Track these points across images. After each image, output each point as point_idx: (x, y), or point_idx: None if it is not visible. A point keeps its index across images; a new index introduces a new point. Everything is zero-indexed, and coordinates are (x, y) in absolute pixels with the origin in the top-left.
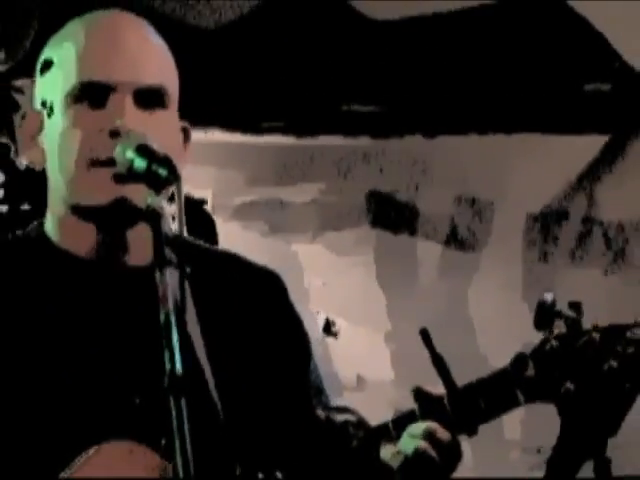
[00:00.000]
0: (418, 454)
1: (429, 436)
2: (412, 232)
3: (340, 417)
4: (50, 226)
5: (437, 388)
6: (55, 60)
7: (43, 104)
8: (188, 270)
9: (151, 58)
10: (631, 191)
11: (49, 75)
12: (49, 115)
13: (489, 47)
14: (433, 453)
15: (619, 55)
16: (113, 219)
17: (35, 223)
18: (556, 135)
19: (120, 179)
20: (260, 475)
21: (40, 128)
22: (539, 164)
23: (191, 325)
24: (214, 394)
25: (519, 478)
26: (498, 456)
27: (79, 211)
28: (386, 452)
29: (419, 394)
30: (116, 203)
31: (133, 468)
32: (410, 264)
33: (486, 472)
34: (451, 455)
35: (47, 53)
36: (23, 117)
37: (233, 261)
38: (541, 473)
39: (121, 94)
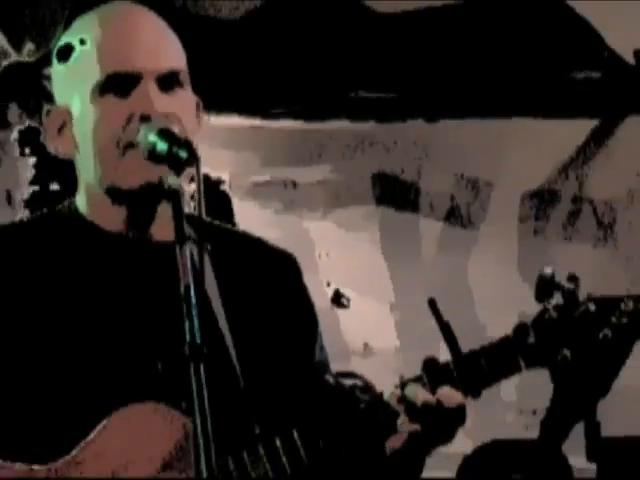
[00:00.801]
0: (424, 405)
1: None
2: (415, 210)
3: (348, 382)
4: (82, 203)
5: (438, 356)
6: (75, 52)
7: (68, 97)
8: (209, 247)
9: (166, 44)
10: (618, 172)
11: (70, 70)
12: (76, 108)
13: (489, 38)
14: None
15: (608, 45)
16: (145, 199)
17: (68, 200)
18: (549, 120)
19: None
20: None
21: (66, 121)
22: (533, 146)
23: (213, 298)
24: (234, 360)
25: (515, 438)
26: (496, 417)
27: (113, 192)
28: (391, 396)
29: (428, 364)
30: (150, 185)
31: (158, 426)
32: (413, 239)
33: (484, 432)
34: (453, 415)
35: (65, 41)
36: (48, 113)
37: (253, 242)
38: (536, 433)
39: (146, 81)
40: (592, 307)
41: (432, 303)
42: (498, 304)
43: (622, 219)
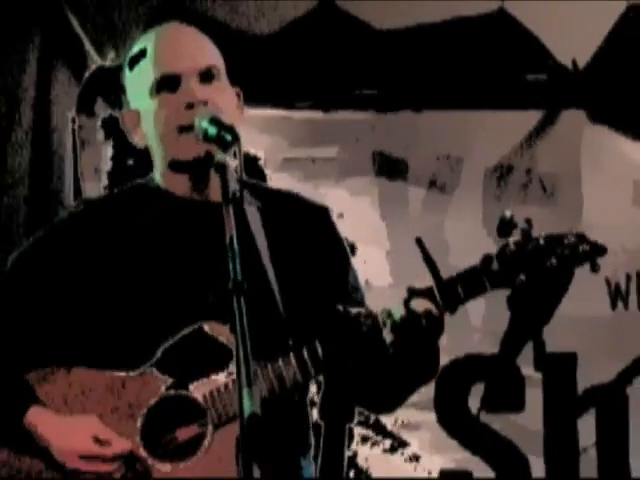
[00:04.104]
0: (403, 318)
1: (418, 304)
2: (404, 180)
3: (354, 310)
4: (157, 177)
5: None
6: (138, 63)
7: (136, 101)
8: (259, 205)
9: (202, 48)
10: (559, 151)
11: (134, 78)
12: (142, 107)
13: (462, 50)
14: (420, 311)
15: (552, 55)
16: (200, 168)
17: (147, 177)
18: (507, 111)
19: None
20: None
21: (138, 120)
22: (495, 131)
23: (260, 242)
24: (276, 292)
25: (481, 353)
26: (466, 338)
27: (175, 165)
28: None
29: (412, 290)
30: (203, 156)
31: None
32: (403, 203)
33: (458, 349)
34: (435, 324)
35: (131, 54)
36: (123, 117)
37: (295, 198)
38: (497, 349)
39: (188, 77)
40: (542, 242)
41: (419, 241)
42: (467, 252)
43: (562, 188)
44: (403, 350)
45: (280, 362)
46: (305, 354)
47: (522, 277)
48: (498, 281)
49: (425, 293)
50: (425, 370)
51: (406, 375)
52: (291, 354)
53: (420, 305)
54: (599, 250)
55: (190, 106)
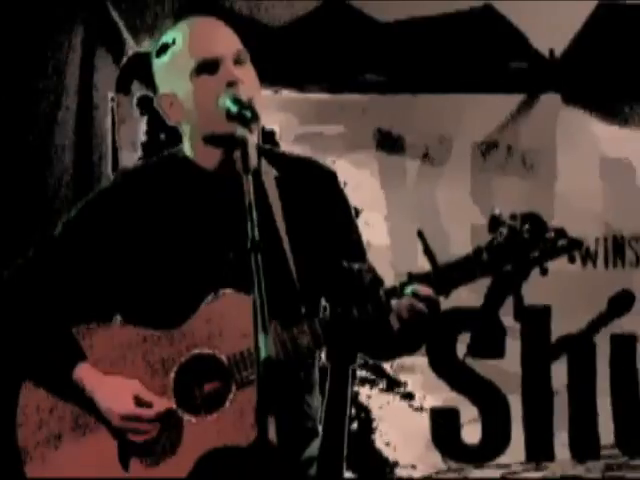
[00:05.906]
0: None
1: (417, 291)
2: (401, 154)
3: (356, 266)
4: (187, 150)
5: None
6: (169, 50)
7: (171, 84)
8: (276, 174)
9: (231, 35)
10: (537, 130)
11: (168, 65)
12: (181, 90)
13: (454, 40)
14: (419, 304)
15: (532, 45)
16: (229, 142)
17: (177, 148)
18: (492, 94)
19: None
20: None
21: (172, 101)
22: (481, 111)
23: (276, 213)
24: (290, 260)
25: (467, 306)
26: (453, 293)
27: (209, 138)
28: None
29: (411, 276)
30: (224, 133)
31: (242, 311)
32: (400, 174)
33: (447, 303)
34: (433, 306)
35: (162, 42)
36: (159, 99)
37: (304, 161)
38: (481, 302)
39: (225, 61)
40: (526, 235)
41: (420, 233)
42: (456, 218)
43: (539, 162)
44: (405, 330)
45: (295, 331)
46: (317, 325)
47: (508, 267)
48: (487, 270)
49: (423, 279)
50: (419, 341)
51: (403, 343)
52: (305, 324)
53: (423, 291)
54: (575, 244)
55: (231, 84)
